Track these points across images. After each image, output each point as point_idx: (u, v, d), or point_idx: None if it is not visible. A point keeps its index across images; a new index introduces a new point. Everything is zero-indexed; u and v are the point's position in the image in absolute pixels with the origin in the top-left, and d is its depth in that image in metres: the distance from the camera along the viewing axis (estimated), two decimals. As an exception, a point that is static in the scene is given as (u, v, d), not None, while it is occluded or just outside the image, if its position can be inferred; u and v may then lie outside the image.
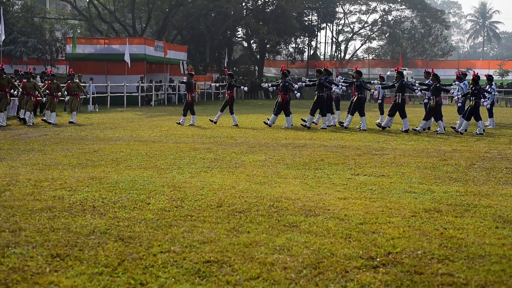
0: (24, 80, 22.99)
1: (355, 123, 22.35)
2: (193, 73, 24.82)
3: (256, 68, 67.31)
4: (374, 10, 74.59)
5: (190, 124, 22.21)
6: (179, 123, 22.35)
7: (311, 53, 74.65)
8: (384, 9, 73.77)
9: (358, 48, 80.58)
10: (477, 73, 21.20)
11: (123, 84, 35.80)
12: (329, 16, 73.02)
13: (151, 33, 58.45)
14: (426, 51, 70.57)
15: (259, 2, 64.21)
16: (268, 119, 22.12)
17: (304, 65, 69.27)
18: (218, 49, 60.67)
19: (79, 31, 54.76)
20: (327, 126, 21.76)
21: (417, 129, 20.58)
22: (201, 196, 8.58)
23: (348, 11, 75.91)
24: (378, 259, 5.84)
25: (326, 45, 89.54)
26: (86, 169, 11.18)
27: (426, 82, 22.94)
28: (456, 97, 22.42)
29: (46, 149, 14.34)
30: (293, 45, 72.54)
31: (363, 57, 75.54)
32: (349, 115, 21.80)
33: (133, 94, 37.32)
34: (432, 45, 71.06)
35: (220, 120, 23.05)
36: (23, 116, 22.06)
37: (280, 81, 22.49)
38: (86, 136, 17.52)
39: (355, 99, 21.85)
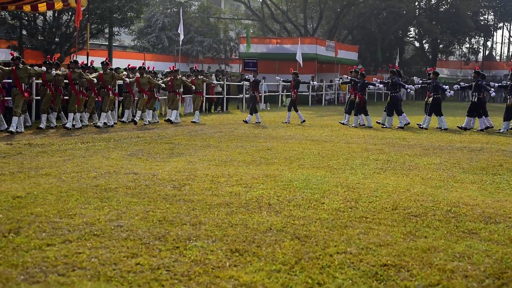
0: (137, 75, 21.04)
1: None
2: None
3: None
4: (557, 8, 70.65)
5: (256, 122, 22.65)
6: (245, 121, 22.77)
7: (486, 54, 71.86)
8: None
9: (537, 49, 76.82)
10: None
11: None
12: (506, 15, 69.90)
13: (322, 33, 58.75)
14: None
15: (433, 1, 62.59)
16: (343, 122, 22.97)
17: (478, 66, 66.76)
18: (389, 49, 59.90)
19: (252, 31, 56.05)
20: (404, 125, 21.84)
21: (501, 130, 20.52)
22: (375, 198, 8.49)
23: (528, 10, 72.49)
24: None
25: (503, 45, 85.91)
26: (260, 167, 11.39)
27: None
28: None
29: (222, 145, 14.79)
30: (467, 45, 70.14)
31: (542, 58, 71.95)
32: (427, 116, 21.82)
33: (303, 93, 37.69)
34: None
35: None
36: (138, 117, 20.49)
37: (357, 80, 22.76)
38: (259, 134, 17.87)
39: (430, 100, 21.78)
